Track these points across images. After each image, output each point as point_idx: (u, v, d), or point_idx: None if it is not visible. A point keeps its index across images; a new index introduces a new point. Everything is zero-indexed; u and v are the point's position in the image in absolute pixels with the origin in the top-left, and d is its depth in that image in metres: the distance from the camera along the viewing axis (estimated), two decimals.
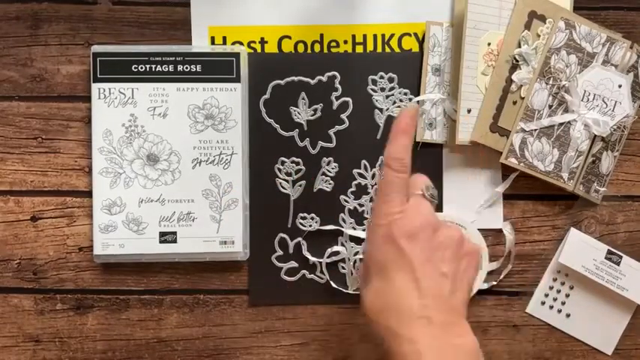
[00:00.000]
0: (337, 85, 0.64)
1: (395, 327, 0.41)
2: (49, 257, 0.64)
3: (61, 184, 0.64)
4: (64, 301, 0.64)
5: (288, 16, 0.65)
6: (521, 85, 0.63)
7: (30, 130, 0.64)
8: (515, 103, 0.63)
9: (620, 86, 0.63)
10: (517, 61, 0.63)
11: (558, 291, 0.65)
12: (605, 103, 0.63)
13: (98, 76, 0.62)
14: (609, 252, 0.63)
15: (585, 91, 0.63)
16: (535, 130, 0.63)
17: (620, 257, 0.63)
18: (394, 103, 0.64)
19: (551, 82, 0.63)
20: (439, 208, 0.64)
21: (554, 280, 0.65)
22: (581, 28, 0.62)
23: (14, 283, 0.64)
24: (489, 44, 0.62)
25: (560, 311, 0.65)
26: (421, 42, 0.65)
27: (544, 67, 0.63)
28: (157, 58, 0.62)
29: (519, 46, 0.62)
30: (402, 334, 0.41)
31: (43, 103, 0.64)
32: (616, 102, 0.63)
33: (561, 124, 0.63)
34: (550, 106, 0.63)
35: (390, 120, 0.64)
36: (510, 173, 0.64)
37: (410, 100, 0.64)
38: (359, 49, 0.65)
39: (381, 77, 0.64)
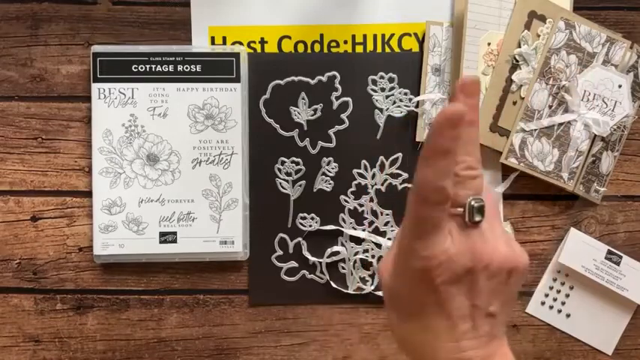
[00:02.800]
0: (337, 85, 0.64)
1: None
2: (49, 257, 0.64)
3: (61, 184, 0.64)
4: (64, 301, 0.64)
5: (288, 16, 0.65)
6: (521, 85, 0.63)
7: (30, 130, 0.64)
8: (515, 103, 0.63)
9: (620, 86, 0.63)
10: (517, 61, 0.63)
11: (558, 291, 0.65)
12: (605, 103, 0.63)
13: (98, 76, 0.62)
14: (609, 252, 0.63)
15: (585, 91, 0.63)
16: (535, 130, 0.63)
17: (620, 257, 0.63)
18: (394, 103, 0.64)
19: (551, 82, 0.63)
20: None
21: (554, 280, 0.65)
22: (581, 28, 0.62)
23: (14, 283, 0.64)
24: (489, 44, 0.62)
25: (560, 311, 0.65)
26: (421, 42, 0.65)
27: (544, 67, 0.62)
28: (157, 58, 0.62)
29: (519, 46, 0.62)
30: None
31: (43, 103, 0.64)
32: (616, 102, 0.63)
33: (561, 124, 0.63)
34: (550, 106, 0.63)
35: (390, 120, 0.64)
36: (510, 173, 0.64)
37: (410, 100, 0.64)
38: (359, 49, 0.65)
39: (381, 77, 0.64)
